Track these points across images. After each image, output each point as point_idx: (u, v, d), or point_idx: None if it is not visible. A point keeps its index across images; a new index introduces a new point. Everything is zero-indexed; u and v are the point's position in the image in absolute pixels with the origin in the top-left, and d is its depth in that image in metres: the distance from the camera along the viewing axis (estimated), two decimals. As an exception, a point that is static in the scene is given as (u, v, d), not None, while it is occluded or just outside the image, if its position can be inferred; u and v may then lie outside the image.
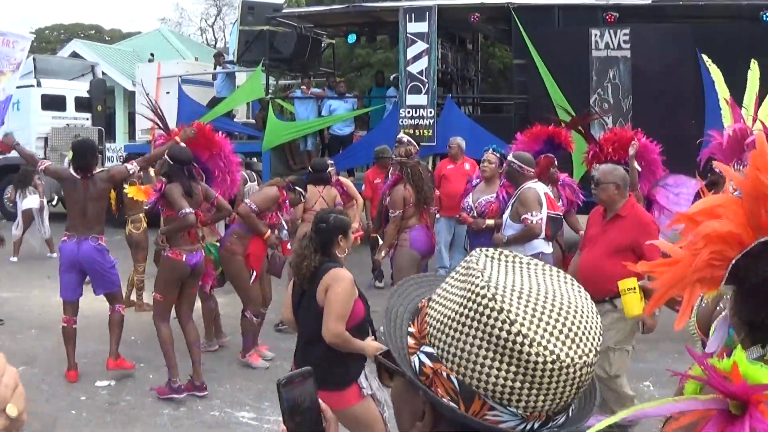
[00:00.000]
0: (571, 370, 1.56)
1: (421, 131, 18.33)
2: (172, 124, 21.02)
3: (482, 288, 1.60)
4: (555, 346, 1.55)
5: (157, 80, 23.11)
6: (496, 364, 1.55)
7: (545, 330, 1.55)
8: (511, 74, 19.37)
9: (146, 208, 11.52)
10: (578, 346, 1.57)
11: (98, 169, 9.66)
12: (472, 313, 1.59)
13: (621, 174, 7.61)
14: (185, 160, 9.17)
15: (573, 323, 1.59)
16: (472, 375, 1.58)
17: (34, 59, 28.35)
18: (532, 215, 8.90)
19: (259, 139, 20.69)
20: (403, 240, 10.34)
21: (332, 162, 13.96)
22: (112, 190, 10.71)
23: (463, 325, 1.59)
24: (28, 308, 13.26)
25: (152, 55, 29.98)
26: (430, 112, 18.57)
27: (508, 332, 1.54)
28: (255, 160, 20.35)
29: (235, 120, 23.32)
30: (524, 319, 1.55)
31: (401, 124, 18.64)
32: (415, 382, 1.68)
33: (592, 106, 17.25)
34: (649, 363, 10.06)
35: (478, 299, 1.59)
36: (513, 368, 1.55)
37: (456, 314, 1.62)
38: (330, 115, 20.65)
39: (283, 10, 23.12)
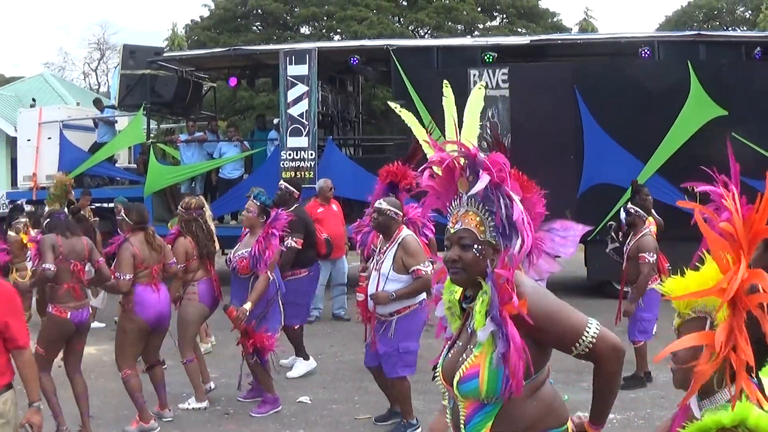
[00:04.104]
0: None
1: (303, 173, 18.27)
2: (53, 169, 20.89)
3: None
4: None
5: (38, 126, 22.64)
6: None
7: None
8: (392, 115, 19.44)
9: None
10: None
11: None
12: None
13: None
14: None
15: None
16: None
17: None
18: (424, 266, 8.45)
19: (141, 183, 20.47)
20: (192, 293, 9.92)
21: None
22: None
23: None
24: None
25: (34, 100, 29.42)
26: (311, 154, 18.54)
27: None
28: (138, 205, 20.07)
29: (116, 165, 23.02)
30: None
31: (282, 166, 18.63)
32: None
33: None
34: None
35: None
36: None
37: None
38: (219, 159, 20.51)
39: (164, 54, 22.95)
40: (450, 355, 3.91)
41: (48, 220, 9.00)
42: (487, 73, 17.80)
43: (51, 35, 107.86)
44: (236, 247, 9.86)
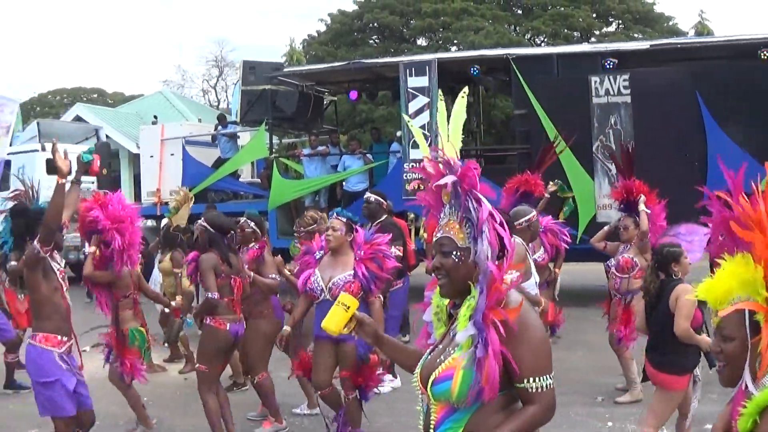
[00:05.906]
0: None
1: (425, 186, 18.25)
2: (176, 185, 21.27)
3: None
4: None
5: (161, 142, 23.20)
6: None
7: None
8: (513, 125, 19.35)
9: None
10: None
11: None
12: None
13: None
14: (226, 227, 9.07)
15: None
16: None
17: (38, 123, 28.64)
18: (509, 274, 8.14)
19: (265, 197, 20.78)
20: None
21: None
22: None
23: None
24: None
25: (155, 117, 30.02)
26: (434, 166, 18.38)
27: None
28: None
29: (240, 180, 23.44)
30: None
31: (406, 178, 18.72)
32: None
33: (596, 153, 17.27)
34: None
35: None
36: None
37: None
38: (344, 172, 20.76)
39: (284, 69, 23.20)
40: (429, 358, 3.92)
41: (210, 238, 8.97)
42: (608, 79, 17.63)
43: (168, 53, 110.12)
44: (316, 271, 8.57)
